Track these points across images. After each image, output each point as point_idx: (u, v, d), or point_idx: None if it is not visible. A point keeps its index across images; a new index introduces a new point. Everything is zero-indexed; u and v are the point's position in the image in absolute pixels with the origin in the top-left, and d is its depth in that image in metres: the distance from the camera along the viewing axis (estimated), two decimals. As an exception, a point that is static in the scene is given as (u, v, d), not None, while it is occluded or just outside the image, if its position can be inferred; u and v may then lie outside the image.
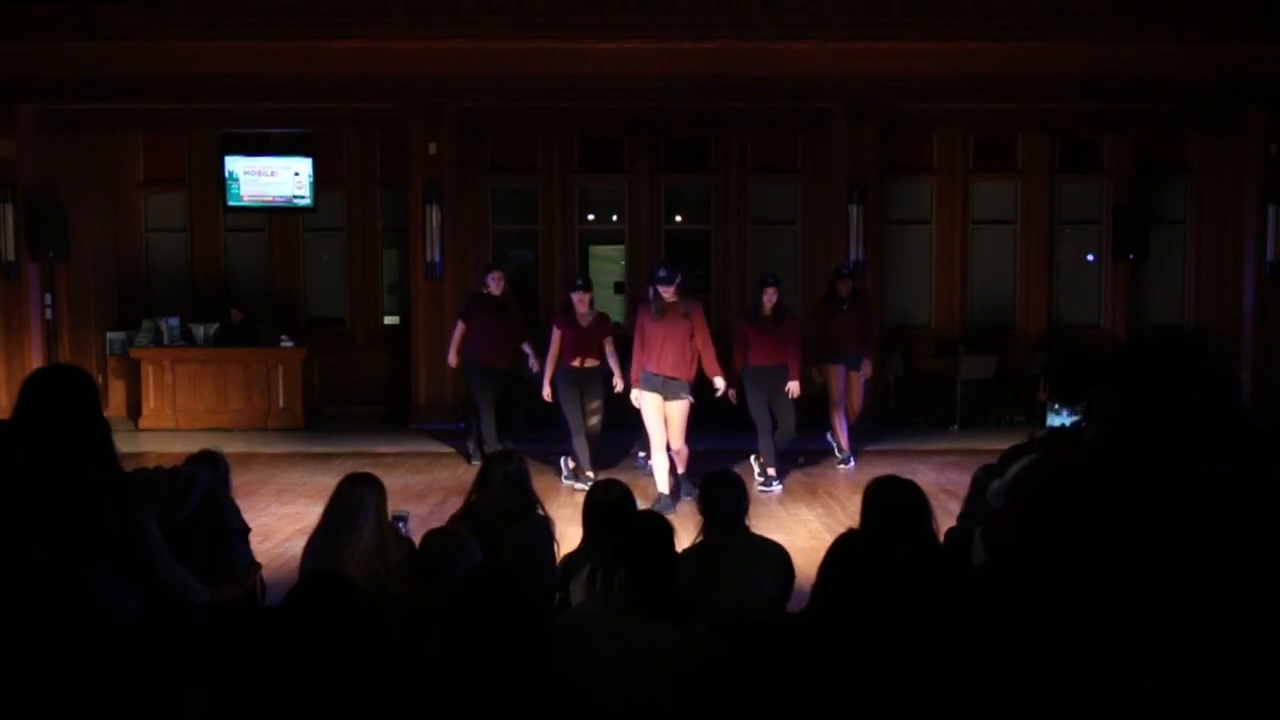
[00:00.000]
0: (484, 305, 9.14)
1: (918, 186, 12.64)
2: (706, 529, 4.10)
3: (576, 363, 8.45)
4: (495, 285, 9.13)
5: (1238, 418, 2.30)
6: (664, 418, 7.78)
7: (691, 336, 7.71)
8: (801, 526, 7.39)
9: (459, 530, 3.96)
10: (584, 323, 8.44)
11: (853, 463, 9.34)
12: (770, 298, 8.52)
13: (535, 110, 12.11)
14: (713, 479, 4.20)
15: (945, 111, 12.02)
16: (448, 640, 2.51)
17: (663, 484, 7.78)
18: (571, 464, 8.69)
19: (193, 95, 11.33)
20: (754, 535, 4.19)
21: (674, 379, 7.69)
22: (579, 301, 8.41)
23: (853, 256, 11.38)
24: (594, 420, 8.59)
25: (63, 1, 10.66)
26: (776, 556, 4.09)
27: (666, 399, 7.73)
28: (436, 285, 11.57)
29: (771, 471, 8.61)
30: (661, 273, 7.84)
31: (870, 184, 11.51)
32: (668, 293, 7.65)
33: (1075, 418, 3.15)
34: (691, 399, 7.77)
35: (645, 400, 7.78)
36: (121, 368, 12.06)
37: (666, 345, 7.68)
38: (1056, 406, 3.19)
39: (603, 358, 8.51)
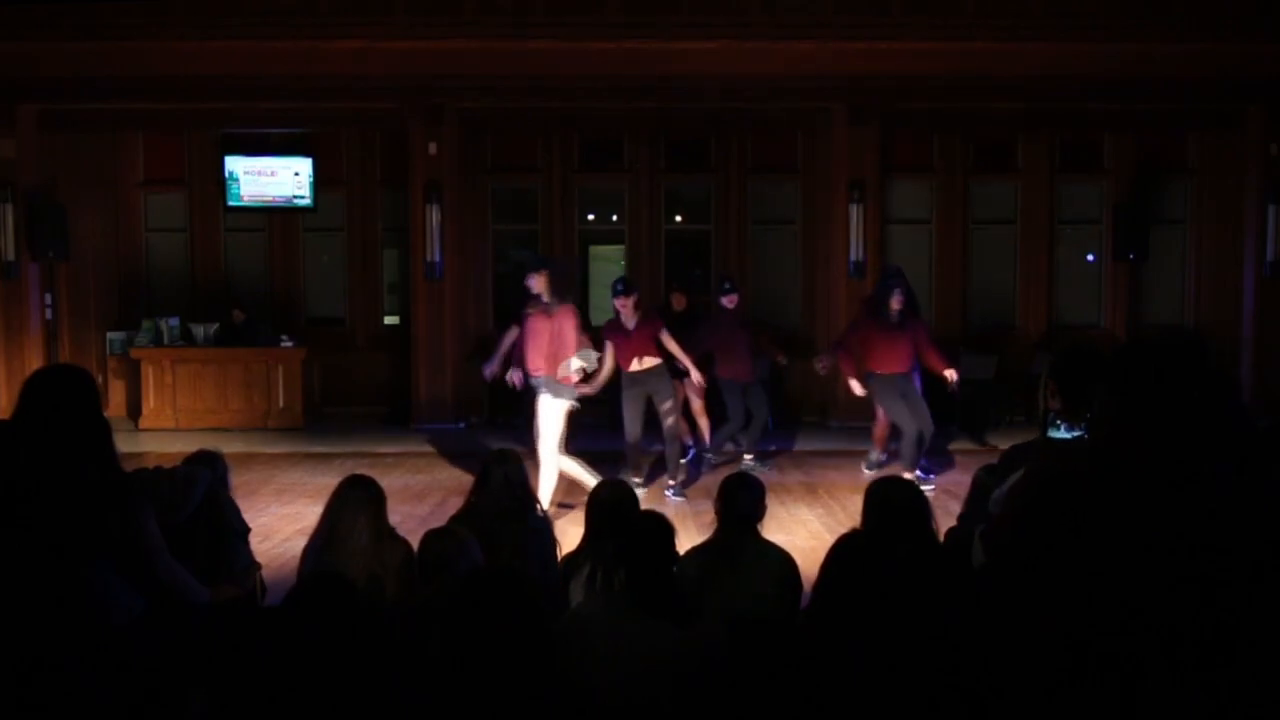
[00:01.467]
0: None
1: (918, 186, 12.64)
2: (719, 529, 4.09)
3: (634, 365, 8.28)
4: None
5: (1237, 418, 2.30)
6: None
7: (557, 331, 7.53)
8: (801, 527, 7.39)
9: (459, 530, 3.96)
10: (630, 324, 8.26)
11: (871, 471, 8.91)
12: (898, 301, 8.34)
13: (535, 110, 12.12)
14: (734, 480, 4.20)
15: (945, 111, 12.02)
16: (448, 640, 2.51)
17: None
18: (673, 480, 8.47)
19: (193, 95, 11.33)
20: (764, 541, 4.18)
21: (537, 378, 7.58)
22: (621, 306, 8.22)
23: (853, 257, 11.38)
24: (669, 420, 8.38)
25: (63, 1, 10.66)
26: (781, 563, 4.08)
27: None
28: (436, 285, 11.58)
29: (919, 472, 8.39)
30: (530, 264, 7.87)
31: (870, 184, 11.51)
32: (536, 284, 7.58)
33: (1076, 433, 3.12)
34: (557, 397, 7.49)
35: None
36: (121, 368, 12.06)
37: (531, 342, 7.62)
38: (1058, 421, 3.15)
39: (664, 355, 8.34)
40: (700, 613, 3.28)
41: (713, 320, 9.40)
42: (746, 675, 2.83)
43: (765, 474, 7.91)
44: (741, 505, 4.07)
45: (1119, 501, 2.20)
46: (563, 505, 7.58)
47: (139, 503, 3.08)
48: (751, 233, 12.66)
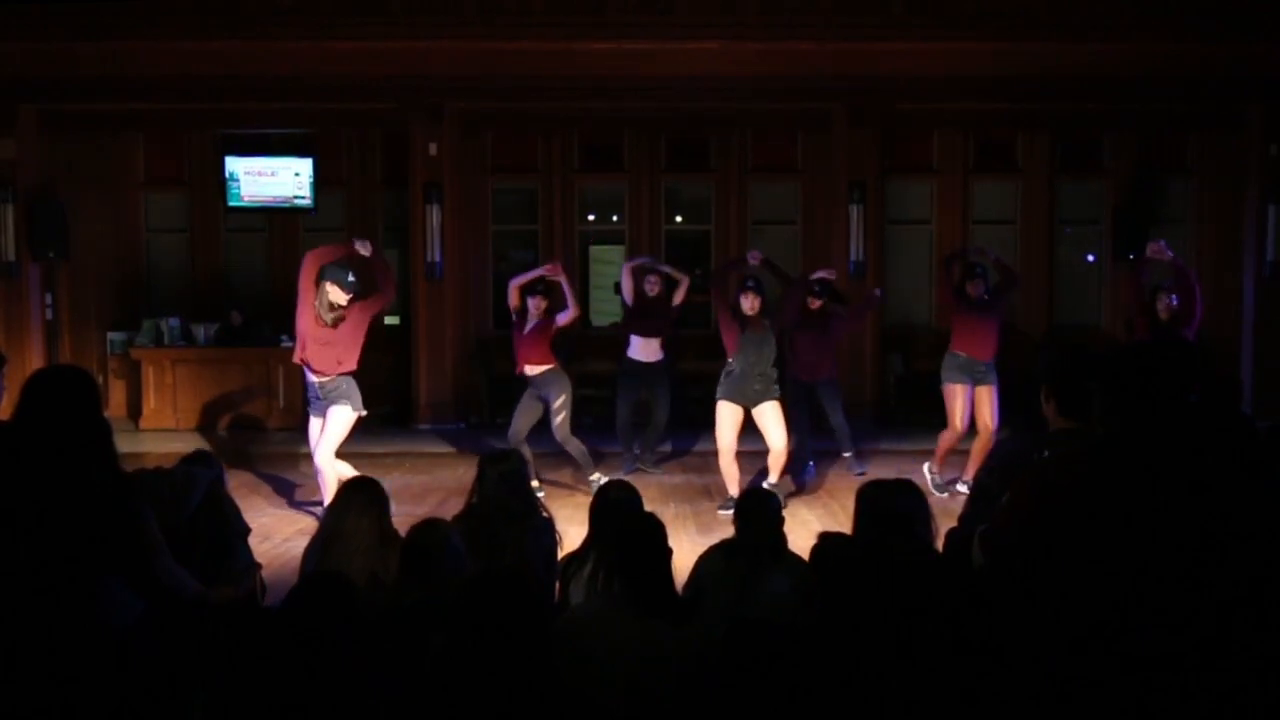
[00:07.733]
0: None
1: (918, 186, 12.63)
2: (740, 532, 4.11)
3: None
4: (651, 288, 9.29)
5: (1237, 419, 2.30)
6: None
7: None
8: (802, 527, 7.36)
9: (441, 521, 3.95)
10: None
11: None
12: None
13: (535, 110, 12.11)
14: (761, 488, 4.24)
15: (945, 111, 12.02)
16: (449, 641, 2.51)
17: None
18: None
19: (193, 95, 11.32)
20: (782, 547, 4.20)
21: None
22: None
23: (853, 257, 11.37)
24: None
25: (63, 1, 10.65)
26: (800, 568, 4.07)
27: None
28: (436, 285, 11.57)
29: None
30: None
31: (870, 184, 11.51)
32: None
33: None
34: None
35: None
36: (122, 368, 12.05)
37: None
38: (1046, 450, 3.14)
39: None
40: (702, 612, 3.28)
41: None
42: (744, 675, 2.83)
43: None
44: (768, 511, 4.10)
45: (1119, 502, 2.20)
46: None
47: (139, 503, 3.08)
48: (751, 233, 12.65)
